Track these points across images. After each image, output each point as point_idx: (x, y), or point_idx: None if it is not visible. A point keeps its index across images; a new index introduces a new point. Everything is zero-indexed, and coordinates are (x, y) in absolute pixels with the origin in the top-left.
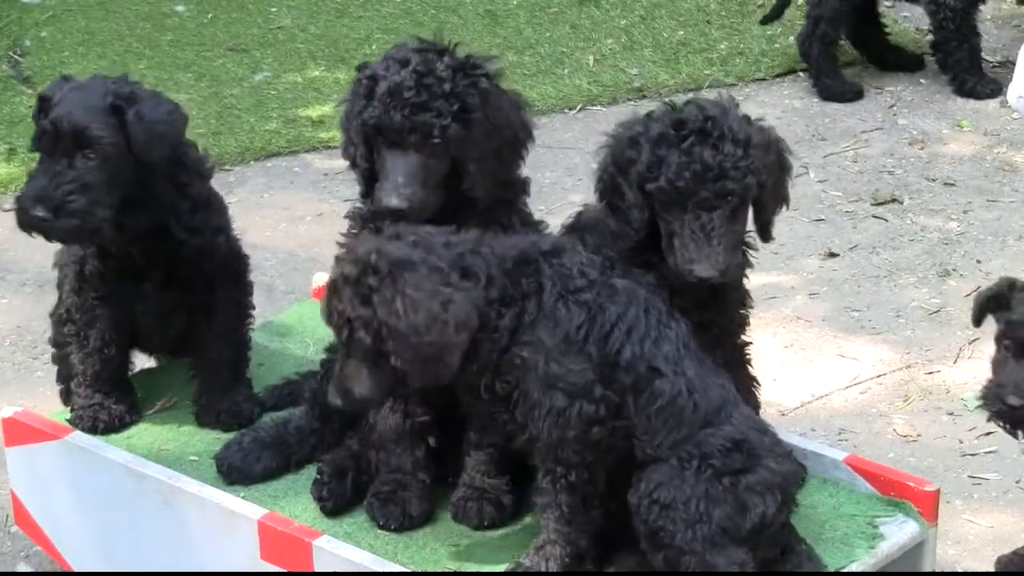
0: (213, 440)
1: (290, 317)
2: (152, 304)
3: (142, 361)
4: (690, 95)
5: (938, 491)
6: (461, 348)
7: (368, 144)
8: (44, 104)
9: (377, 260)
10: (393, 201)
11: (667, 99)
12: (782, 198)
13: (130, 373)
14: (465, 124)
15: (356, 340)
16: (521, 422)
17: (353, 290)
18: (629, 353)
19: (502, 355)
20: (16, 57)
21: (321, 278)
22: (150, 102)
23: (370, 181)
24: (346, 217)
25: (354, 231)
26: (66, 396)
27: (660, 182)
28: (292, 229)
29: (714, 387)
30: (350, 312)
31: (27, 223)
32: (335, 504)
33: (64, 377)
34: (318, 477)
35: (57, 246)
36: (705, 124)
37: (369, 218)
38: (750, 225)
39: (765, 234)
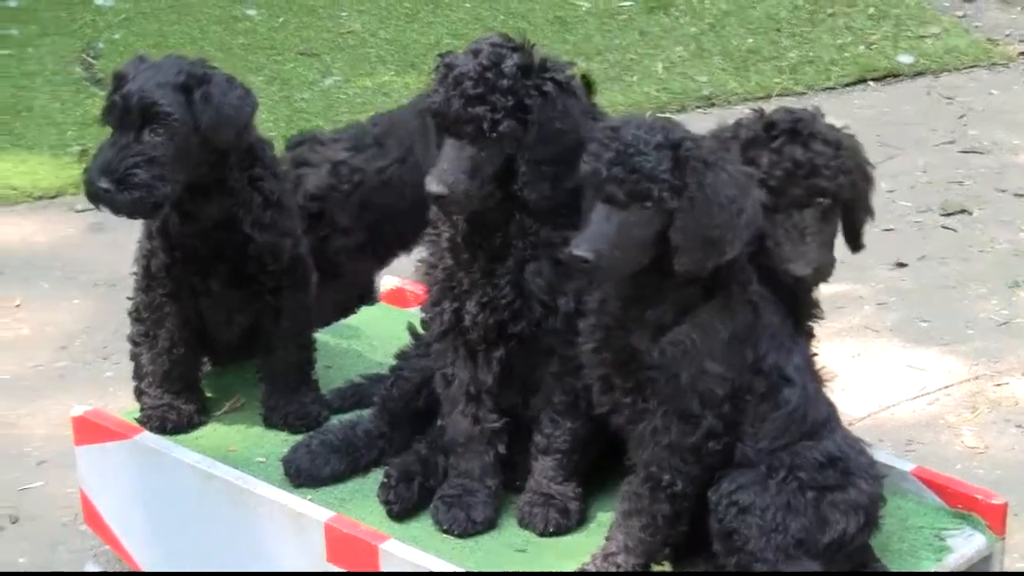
0: (281, 442)
1: (358, 320)
2: (218, 301)
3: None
4: (759, 103)
5: (1006, 504)
6: (741, 242)
7: (439, 131)
8: (119, 80)
9: (695, 142)
10: (433, 186)
11: (754, 108)
12: (870, 210)
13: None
14: (522, 123)
15: (643, 206)
16: (650, 409)
17: (670, 154)
18: (772, 360)
19: (676, 319)
20: (89, 59)
21: (390, 281)
22: (221, 84)
23: None
24: (432, 216)
25: (436, 226)
26: (139, 394)
27: None
28: None
29: (823, 402)
30: (659, 173)
31: (92, 194)
32: (402, 508)
33: (139, 375)
34: (385, 481)
35: (130, 249)
36: (795, 125)
37: None
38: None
39: (856, 242)
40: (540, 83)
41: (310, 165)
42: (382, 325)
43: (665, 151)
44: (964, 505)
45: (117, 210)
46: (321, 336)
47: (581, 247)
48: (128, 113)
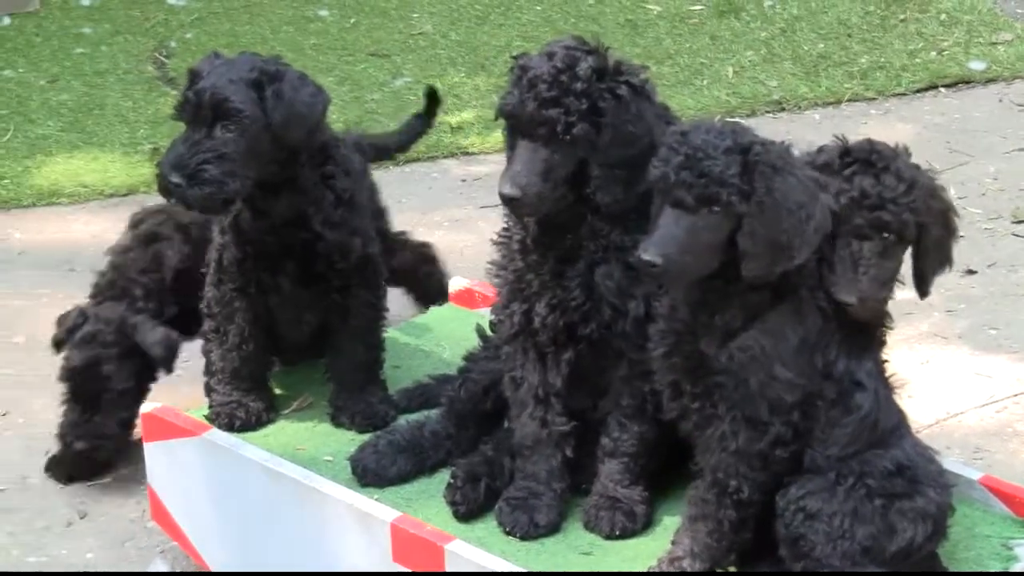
0: (348, 441)
1: (426, 320)
2: (287, 298)
3: None
4: (829, 109)
5: None
6: (809, 247)
7: (512, 133)
8: (193, 77)
9: (764, 147)
10: (506, 188)
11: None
12: (946, 258)
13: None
14: (596, 127)
15: (711, 210)
16: (718, 415)
17: (739, 158)
18: (843, 365)
19: (745, 325)
20: (162, 59)
21: (458, 282)
22: (293, 82)
23: None
24: (503, 215)
25: (507, 228)
26: (209, 390)
27: None
28: (429, 234)
29: (893, 409)
30: (727, 178)
31: (164, 189)
32: (468, 509)
33: (209, 371)
34: (451, 482)
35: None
36: (870, 156)
37: None
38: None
39: (922, 287)
40: (614, 86)
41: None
42: (450, 326)
43: (734, 155)
44: None
45: (188, 205)
46: (390, 336)
47: (649, 251)
48: (200, 109)
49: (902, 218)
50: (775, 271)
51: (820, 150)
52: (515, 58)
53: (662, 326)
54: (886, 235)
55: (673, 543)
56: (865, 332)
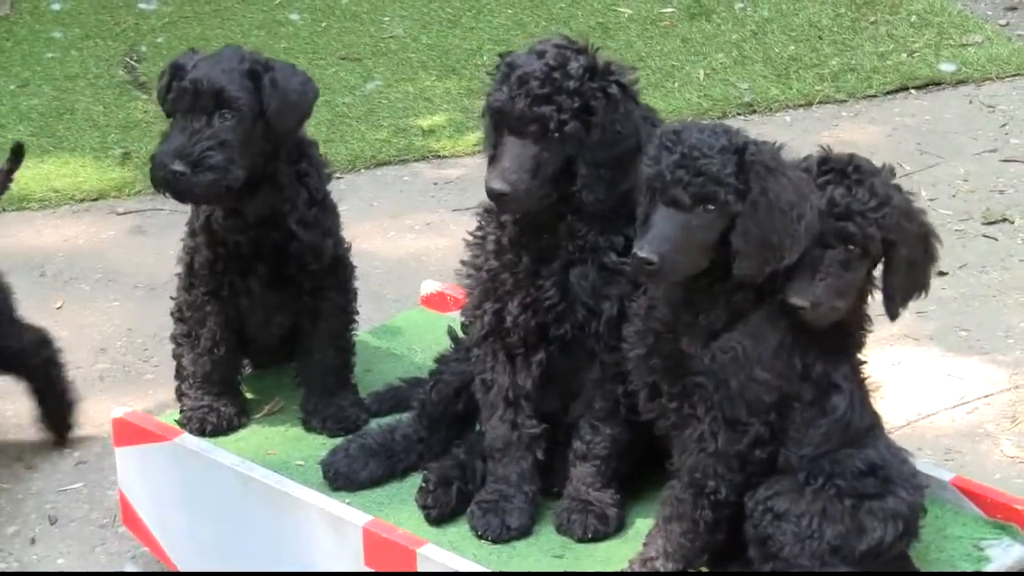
0: (319, 445)
1: (398, 323)
2: (258, 301)
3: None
4: (800, 111)
5: None
6: (799, 248)
7: (497, 130)
8: (178, 70)
9: (758, 147)
10: (496, 184)
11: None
12: (920, 284)
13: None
14: (585, 125)
15: (706, 209)
16: (697, 415)
17: (734, 158)
18: (820, 367)
19: (728, 326)
20: (132, 62)
21: (430, 285)
22: (284, 71)
23: None
24: (476, 215)
25: (482, 228)
26: (180, 395)
27: None
28: (400, 238)
29: (868, 411)
30: (723, 176)
31: (163, 179)
32: (439, 513)
33: (180, 375)
34: (423, 485)
35: (171, 252)
36: (847, 168)
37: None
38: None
39: (891, 308)
40: (605, 85)
41: None
42: (421, 329)
43: (729, 155)
44: (1003, 515)
45: (187, 194)
46: (360, 339)
47: (645, 249)
48: (199, 98)
49: (867, 231)
50: (765, 271)
51: (807, 159)
52: (501, 56)
53: (640, 326)
54: (851, 247)
55: (645, 544)
56: (843, 334)
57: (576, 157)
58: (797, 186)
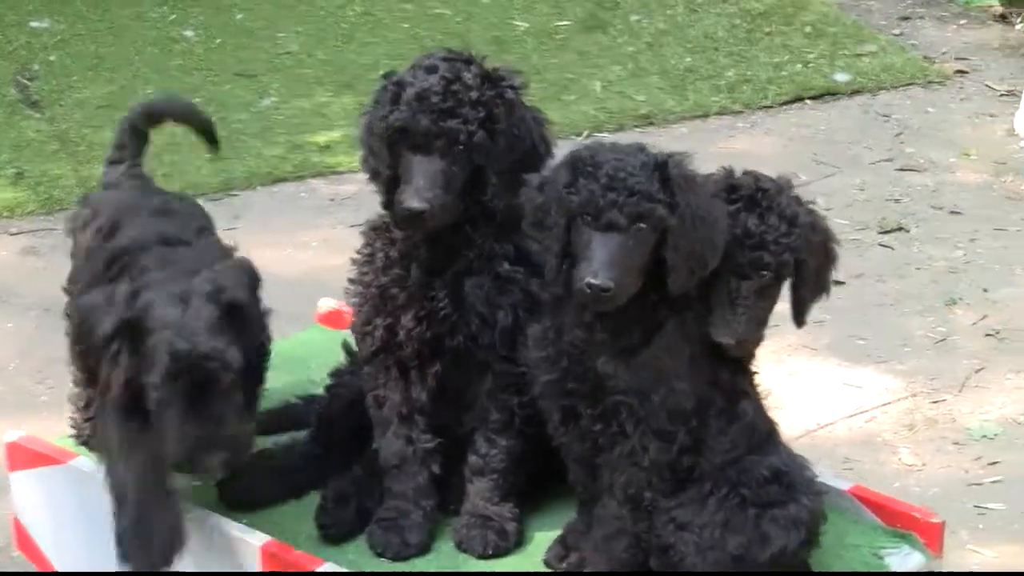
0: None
1: (294, 342)
2: None
3: None
4: (697, 121)
5: (943, 523)
6: (718, 257)
7: (392, 150)
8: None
9: (675, 159)
10: (414, 203)
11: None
12: (823, 287)
13: None
14: (490, 133)
15: (639, 228)
16: (625, 432)
17: (657, 173)
18: (726, 375)
19: (644, 342)
20: (24, 81)
21: (327, 303)
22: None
23: (392, 190)
24: (362, 233)
25: (370, 245)
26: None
27: None
28: (297, 255)
29: (767, 416)
30: (653, 193)
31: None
32: (338, 531)
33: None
34: (321, 504)
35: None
36: (756, 193)
37: (387, 229)
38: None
39: (799, 318)
40: (502, 91)
41: None
42: (318, 346)
43: (651, 170)
44: (902, 524)
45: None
46: None
47: (600, 276)
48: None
49: (781, 259)
50: (692, 282)
51: (706, 178)
52: (385, 76)
53: (549, 351)
54: (764, 273)
55: (585, 568)
56: None
57: (483, 167)
58: (709, 194)
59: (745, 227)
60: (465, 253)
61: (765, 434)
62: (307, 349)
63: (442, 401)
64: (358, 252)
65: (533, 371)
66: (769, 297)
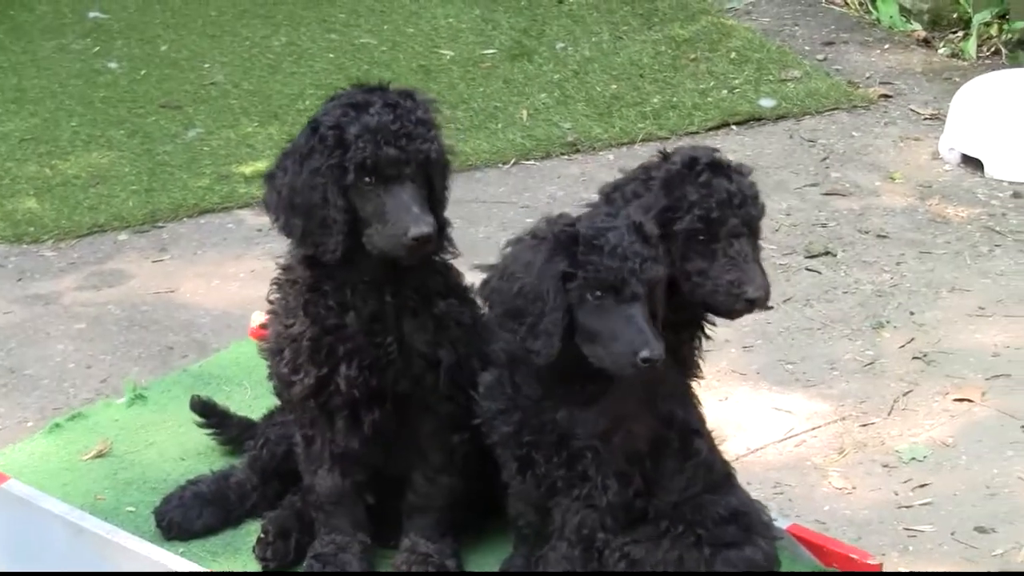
0: (150, 490)
1: (227, 357)
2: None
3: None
4: (624, 149)
5: (881, 564)
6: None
7: (347, 193)
8: None
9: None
10: (424, 228)
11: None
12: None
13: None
14: (437, 151)
15: (641, 293)
16: (587, 476)
17: (639, 234)
18: (679, 414)
19: (601, 390)
20: None
21: (259, 317)
22: None
23: (353, 233)
24: (275, 281)
25: (284, 294)
26: None
27: (687, 220)
28: (225, 286)
29: (722, 456)
30: (658, 255)
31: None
32: (278, 564)
33: None
34: (262, 536)
35: None
36: (713, 158)
37: (302, 279)
38: None
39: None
40: (426, 106)
41: None
42: (252, 362)
43: (634, 232)
44: (838, 564)
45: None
46: (185, 377)
47: (654, 348)
48: None
49: (759, 212)
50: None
51: (647, 167)
52: (314, 124)
53: (504, 404)
54: (753, 225)
55: None
56: (685, 381)
57: (434, 185)
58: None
59: (726, 190)
60: (407, 294)
61: (723, 475)
62: (240, 365)
63: (376, 446)
64: (270, 301)
65: (489, 421)
66: (757, 248)
